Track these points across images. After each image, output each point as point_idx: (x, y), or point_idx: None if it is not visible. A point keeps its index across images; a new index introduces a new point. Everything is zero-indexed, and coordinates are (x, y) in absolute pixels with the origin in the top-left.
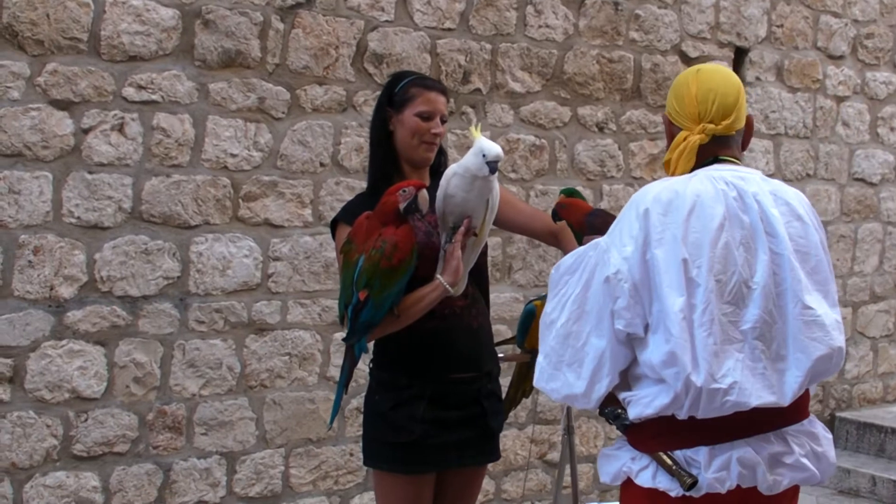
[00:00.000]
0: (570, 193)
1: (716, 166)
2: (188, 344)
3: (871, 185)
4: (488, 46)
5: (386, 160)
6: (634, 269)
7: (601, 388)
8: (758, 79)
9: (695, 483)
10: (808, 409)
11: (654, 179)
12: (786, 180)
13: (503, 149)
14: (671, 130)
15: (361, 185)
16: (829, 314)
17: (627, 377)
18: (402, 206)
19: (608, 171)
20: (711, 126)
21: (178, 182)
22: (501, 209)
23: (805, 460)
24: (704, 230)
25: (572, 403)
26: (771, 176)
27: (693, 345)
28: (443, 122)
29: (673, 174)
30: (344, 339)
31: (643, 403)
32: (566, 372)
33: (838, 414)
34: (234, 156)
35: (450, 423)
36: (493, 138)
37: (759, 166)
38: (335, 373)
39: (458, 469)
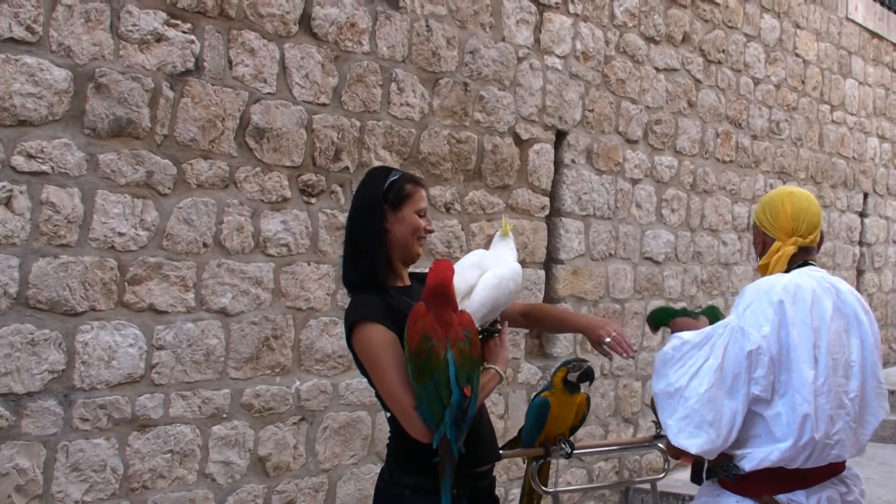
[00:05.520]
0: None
1: (808, 269)
2: (72, 445)
3: (657, 263)
4: (357, 123)
5: (384, 258)
6: (772, 346)
7: (729, 441)
8: (573, 161)
9: None
10: None
11: None
12: (593, 260)
13: None
14: (764, 239)
15: (242, 267)
16: (885, 388)
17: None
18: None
19: (454, 252)
20: (801, 239)
21: (66, 264)
22: None
23: (860, 498)
24: (822, 319)
25: (706, 455)
26: (581, 256)
27: (816, 409)
28: None
29: (768, 274)
30: (454, 441)
31: (759, 458)
32: (707, 429)
33: (633, 485)
34: (121, 235)
35: None
36: None
37: (573, 247)
38: (214, 469)
39: None
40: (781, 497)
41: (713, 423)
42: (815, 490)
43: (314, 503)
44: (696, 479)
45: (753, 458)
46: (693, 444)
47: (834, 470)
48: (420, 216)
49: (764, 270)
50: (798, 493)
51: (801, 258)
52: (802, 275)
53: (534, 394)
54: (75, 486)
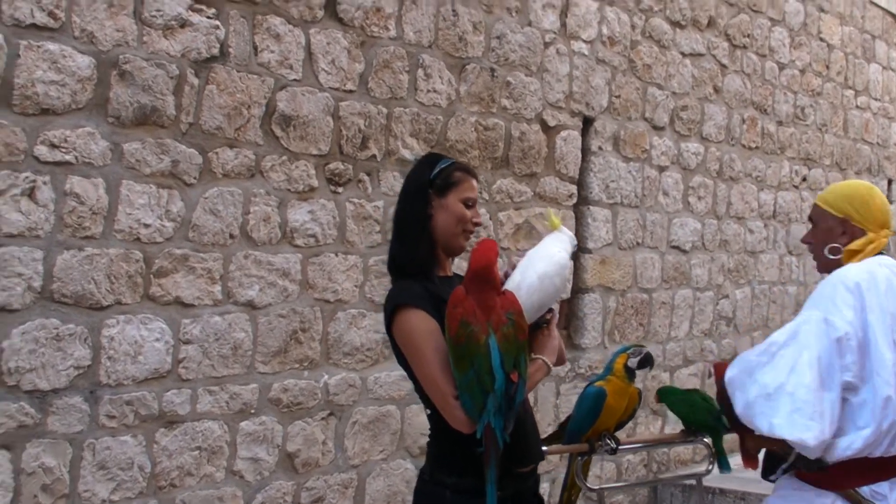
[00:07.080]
0: None
1: (879, 258)
2: (98, 443)
3: (684, 252)
4: (384, 110)
5: (427, 245)
6: (858, 331)
7: (832, 433)
8: (600, 148)
9: None
10: None
11: (519, 250)
12: (620, 249)
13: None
14: (851, 230)
15: (269, 258)
16: None
17: None
18: (503, 271)
19: None
20: (890, 232)
21: (90, 256)
22: None
23: None
24: None
25: (820, 447)
26: (609, 245)
27: None
28: None
29: (851, 261)
30: (499, 430)
31: (842, 447)
32: (819, 420)
33: (661, 476)
34: (147, 226)
35: None
36: (385, 207)
37: (601, 236)
38: (242, 466)
39: None
40: (864, 489)
41: (823, 414)
42: None
43: (343, 500)
44: (766, 474)
45: (836, 447)
46: (809, 436)
47: None
48: (468, 206)
49: (850, 256)
50: (882, 485)
51: None
52: (873, 264)
53: (586, 383)
54: (102, 485)
